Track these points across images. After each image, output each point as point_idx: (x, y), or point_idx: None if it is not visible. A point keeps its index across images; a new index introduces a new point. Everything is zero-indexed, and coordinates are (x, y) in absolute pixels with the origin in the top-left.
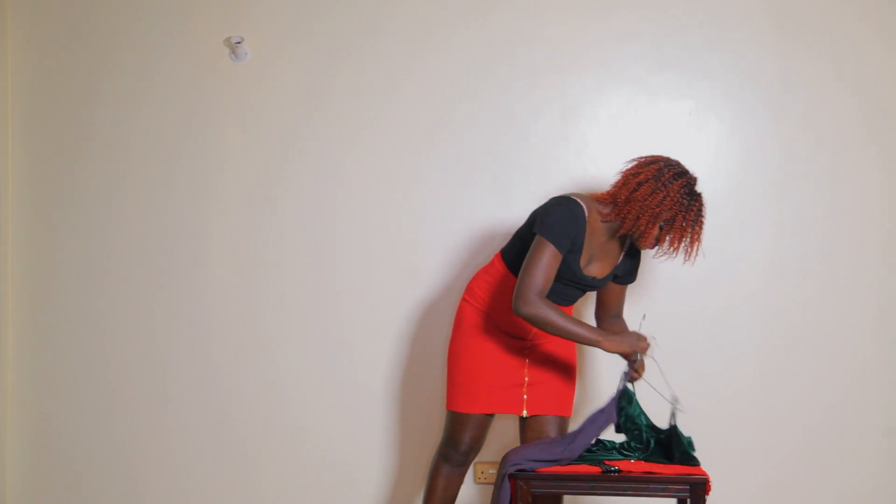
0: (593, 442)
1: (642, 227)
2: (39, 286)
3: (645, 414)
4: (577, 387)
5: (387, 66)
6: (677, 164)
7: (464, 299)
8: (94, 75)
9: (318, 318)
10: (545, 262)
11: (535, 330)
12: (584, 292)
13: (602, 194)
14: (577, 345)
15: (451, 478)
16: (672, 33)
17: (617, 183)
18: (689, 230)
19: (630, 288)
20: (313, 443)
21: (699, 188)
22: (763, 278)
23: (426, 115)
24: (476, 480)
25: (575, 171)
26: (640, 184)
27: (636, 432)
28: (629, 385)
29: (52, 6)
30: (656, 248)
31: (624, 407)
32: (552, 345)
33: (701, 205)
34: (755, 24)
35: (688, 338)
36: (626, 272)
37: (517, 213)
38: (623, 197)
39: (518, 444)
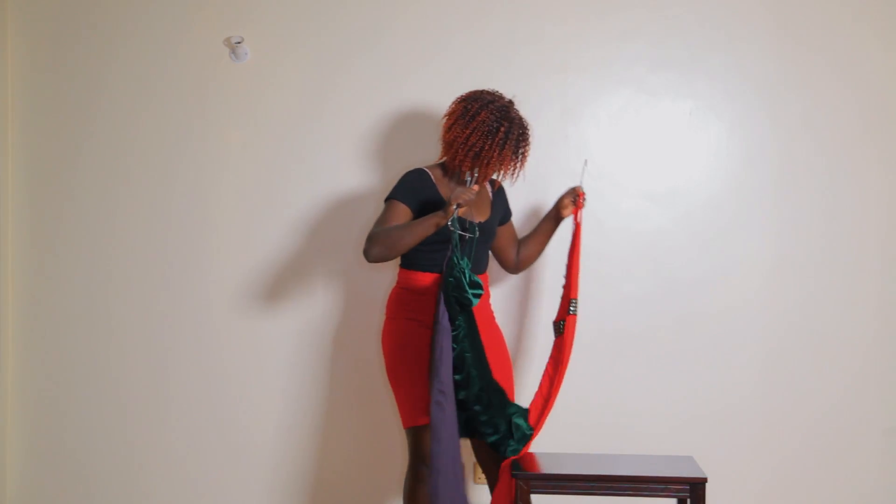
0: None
1: (458, 163)
2: (39, 286)
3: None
4: (514, 381)
5: (387, 66)
6: (481, 95)
7: (384, 321)
8: (94, 75)
9: (319, 318)
10: (388, 214)
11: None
12: (485, 246)
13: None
14: (503, 338)
15: (425, 498)
16: (672, 33)
17: (449, 146)
18: (498, 153)
19: (629, 290)
20: (314, 444)
21: (514, 112)
22: (763, 278)
23: (426, 115)
24: (476, 480)
25: (575, 171)
26: (451, 126)
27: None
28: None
29: (52, 6)
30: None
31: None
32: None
33: (510, 126)
34: (755, 24)
35: (688, 338)
36: (504, 211)
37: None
38: (444, 141)
39: None
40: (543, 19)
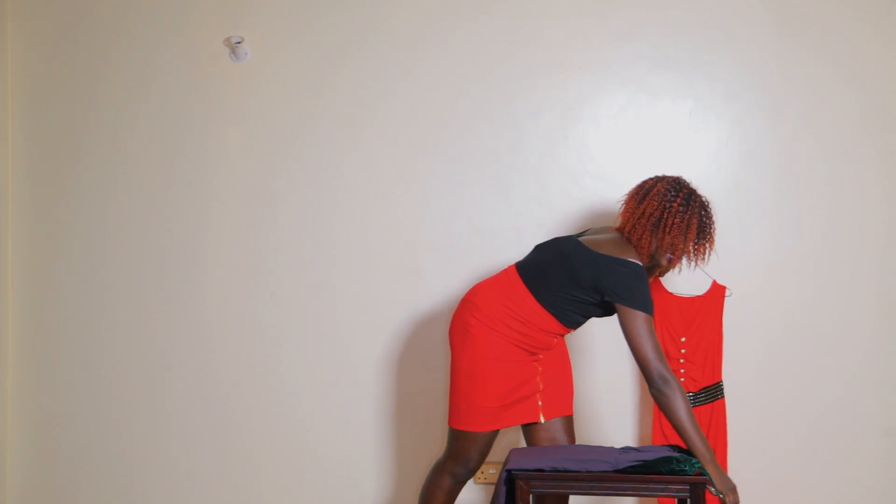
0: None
1: (638, 238)
2: (39, 286)
3: None
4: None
5: (386, 66)
6: (653, 177)
7: (474, 317)
8: (93, 75)
9: (318, 318)
10: (653, 333)
11: (553, 342)
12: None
13: (625, 239)
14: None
15: (451, 492)
16: (672, 33)
17: (628, 222)
18: (679, 219)
19: None
20: (312, 443)
21: (700, 194)
22: (763, 278)
23: (426, 115)
24: (476, 481)
25: (575, 171)
26: (630, 209)
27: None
28: None
29: (52, 6)
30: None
31: None
32: (554, 348)
33: (689, 193)
34: (755, 24)
35: None
36: None
37: (517, 214)
38: (626, 231)
39: (509, 441)
40: (543, 19)
